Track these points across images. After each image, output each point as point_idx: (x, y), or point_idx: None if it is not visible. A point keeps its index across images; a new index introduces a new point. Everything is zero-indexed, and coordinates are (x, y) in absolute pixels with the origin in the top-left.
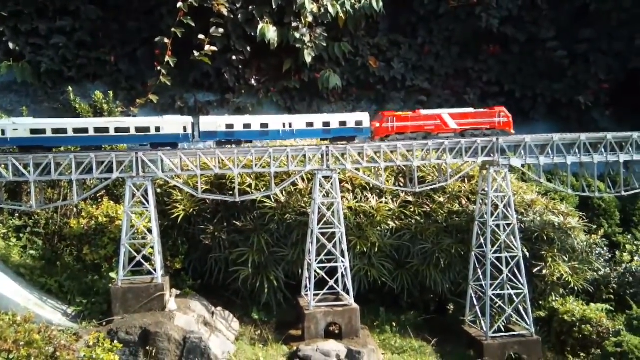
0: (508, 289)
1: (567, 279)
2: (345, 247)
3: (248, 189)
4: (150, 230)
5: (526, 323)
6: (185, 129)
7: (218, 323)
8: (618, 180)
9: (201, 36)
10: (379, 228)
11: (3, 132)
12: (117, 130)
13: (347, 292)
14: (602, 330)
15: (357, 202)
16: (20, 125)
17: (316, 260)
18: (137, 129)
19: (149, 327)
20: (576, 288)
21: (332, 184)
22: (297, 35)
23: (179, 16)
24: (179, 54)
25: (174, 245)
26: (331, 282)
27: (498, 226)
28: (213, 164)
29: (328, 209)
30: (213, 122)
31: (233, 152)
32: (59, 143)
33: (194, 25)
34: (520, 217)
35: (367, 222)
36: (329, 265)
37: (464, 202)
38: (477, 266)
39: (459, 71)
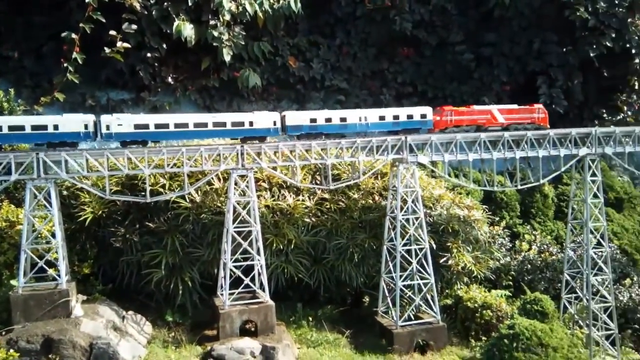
0: (417, 280)
1: (470, 268)
2: (261, 245)
3: (161, 190)
4: (54, 235)
5: (433, 311)
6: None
7: (129, 327)
8: (516, 175)
9: (113, 32)
10: (295, 225)
11: (108, 127)
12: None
13: (263, 290)
14: (501, 314)
15: (274, 200)
16: (125, 121)
17: (231, 259)
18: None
19: (52, 335)
20: (479, 276)
21: (247, 182)
22: (215, 33)
23: (88, 11)
24: (89, 51)
25: (82, 250)
26: (247, 280)
27: (407, 220)
28: (122, 164)
29: (244, 208)
30: (299, 117)
31: (144, 152)
32: (161, 138)
33: (104, 20)
34: (428, 211)
35: (284, 220)
36: (245, 263)
37: (377, 198)
38: (389, 259)
39: (376, 72)
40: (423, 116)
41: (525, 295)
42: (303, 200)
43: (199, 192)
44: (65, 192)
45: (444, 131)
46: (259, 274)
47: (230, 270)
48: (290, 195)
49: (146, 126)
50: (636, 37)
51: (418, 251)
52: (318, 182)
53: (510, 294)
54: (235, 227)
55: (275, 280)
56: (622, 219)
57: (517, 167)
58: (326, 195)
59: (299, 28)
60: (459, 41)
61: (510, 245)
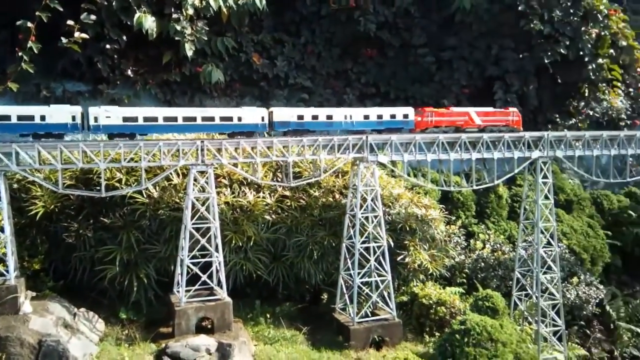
0: (374, 277)
1: (426, 266)
2: (219, 242)
3: (117, 184)
4: (2, 229)
5: (389, 307)
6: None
7: (80, 325)
8: (472, 176)
9: (70, 22)
10: (255, 222)
11: (96, 119)
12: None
13: (221, 287)
14: (455, 311)
15: (234, 197)
16: (113, 113)
17: (189, 255)
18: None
19: None
20: (434, 274)
21: (207, 179)
22: (178, 27)
23: None
24: (45, 40)
25: (32, 245)
26: (204, 277)
27: (367, 218)
28: (77, 157)
29: (203, 204)
30: (286, 113)
31: (99, 145)
32: (149, 131)
33: (62, 9)
34: (387, 209)
35: (243, 217)
36: (203, 260)
37: (337, 196)
38: (347, 256)
39: (340, 72)
40: (405, 116)
41: (478, 292)
42: (264, 198)
43: (157, 187)
44: (15, 185)
45: (425, 131)
46: (217, 271)
47: (188, 267)
48: (251, 192)
49: (135, 119)
50: (589, 45)
51: (376, 249)
52: (279, 180)
53: (464, 291)
54: (193, 224)
55: (233, 278)
56: (572, 220)
57: (473, 168)
58: (287, 193)
59: (263, 25)
60: (421, 44)
61: (465, 244)
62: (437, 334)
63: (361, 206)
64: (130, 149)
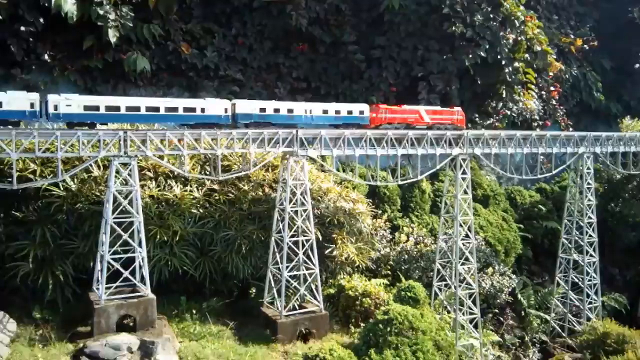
0: (303, 270)
1: (353, 259)
2: (143, 236)
3: (31, 176)
4: None
5: (317, 300)
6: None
7: None
8: (397, 171)
9: None
10: (182, 216)
11: (56, 107)
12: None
13: (144, 283)
14: (380, 301)
15: (159, 190)
16: (74, 102)
17: (110, 251)
18: None
19: None
20: (361, 266)
21: (130, 171)
22: (100, 11)
23: None
24: None
25: None
26: (126, 274)
27: (296, 212)
28: None
29: (125, 198)
30: (249, 106)
31: (11, 134)
32: (111, 120)
33: None
34: (316, 203)
35: (169, 211)
36: (125, 256)
37: (267, 190)
38: (276, 250)
39: (271, 65)
40: (361, 112)
41: (401, 283)
42: (191, 191)
43: (75, 179)
44: None
45: (379, 127)
46: (140, 267)
47: (108, 263)
48: (178, 186)
49: (96, 108)
50: (506, 49)
51: (305, 242)
52: (207, 173)
53: (388, 283)
54: (115, 218)
55: (158, 273)
56: (488, 214)
57: (398, 163)
58: (215, 186)
59: (193, 14)
60: (351, 41)
61: (391, 237)
62: (362, 324)
63: (290, 200)
64: (45, 138)
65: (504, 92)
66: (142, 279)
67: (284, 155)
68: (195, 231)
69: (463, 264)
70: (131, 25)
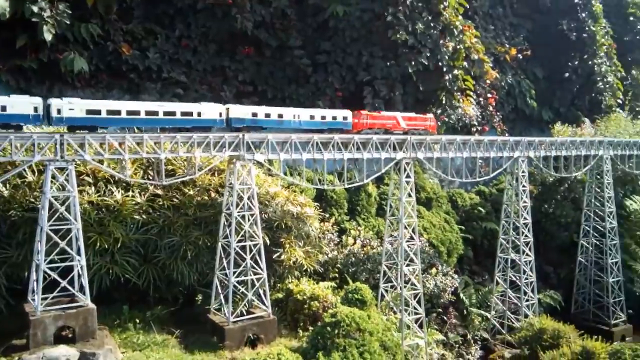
0: (251, 275)
1: (301, 262)
2: (82, 244)
3: None
4: None
5: (265, 305)
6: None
7: None
8: (344, 175)
9: None
10: (123, 223)
11: (59, 111)
12: None
13: (84, 293)
14: (328, 304)
15: (99, 196)
16: (77, 106)
17: (46, 260)
18: None
19: None
20: (309, 269)
21: (67, 176)
22: (35, 8)
23: None
24: None
25: None
26: (64, 283)
27: (243, 217)
28: None
29: (62, 204)
30: (242, 110)
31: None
32: (112, 124)
33: None
34: (263, 207)
35: (110, 217)
36: (62, 265)
37: (213, 194)
38: (223, 256)
39: (217, 68)
40: (345, 118)
41: (348, 285)
42: (133, 197)
43: (7, 185)
44: None
45: (361, 132)
46: (79, 276)
47: (45, 272)
48: (119, 191)
49: (98, 112)
50: (446, 57)
51: (252, 247)
52: (150, 178)
53: (336, 285)
54: (51, 225)
55: (98, 282)
56: (431, 216)
57: (345, 167)
58: (159, 191)
59: (134, 14)
60: (297, 46)
61: (338, 240)
62: (310, 328)
63: (237, 205)
64: None
65: (444, 98)
66: (82, 288)
67: (231, 159)
68: (138, 238)
69: (408, 265)
70: (68, 23)
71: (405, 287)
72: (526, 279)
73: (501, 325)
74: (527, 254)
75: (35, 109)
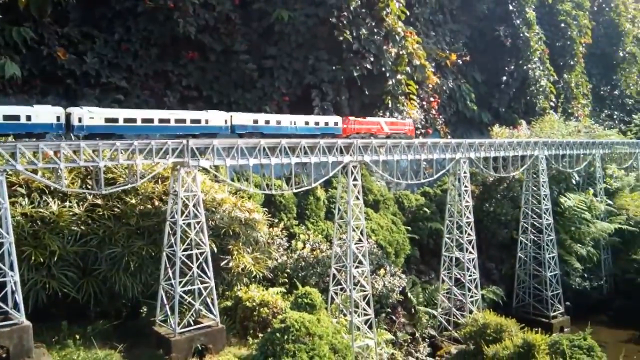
0: (197, 284)
1: (250, 269)
2: (14, 258)
3: None
4: None
5: (213, 314)
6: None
7: None
8: (292, 179)
9: None
10: (60, 235)
11: (80, 119)
12: None
13: (18, 310)
14: (277, 310)
15: (33, 207)
16: (96, 114)
17: None
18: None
19: None
20: (258, 276)
21: None
22: None
23: None
24: None
25: None
26: None
27: (188, 225)
28: None
29: None
30: (244, 117)
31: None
32: (128, 131)
33: None
34: (210, 214)
35: (45, 229)
36: None
37: (156, 203)
38: (168, 265)
39: (159, 73)
40: (335, 123)
41: (298, 290)
42: (70, 207)
43: None
44: None
45: (349, 136)
46: (13, 292)
47: None
48: (55, 202)
49: (116, 120)
50: (390, 63)
51: (199, 255)
52: (89, 187)
53: (286, 291)
54: None
55: (34, 298)
56: (379, 218)
57: (292, 172)
58: (99, 201)
59: (70, 17)
60: (243, 50)
61: (287, 245)
62: (260, 335)
63: (182, 212)
64: None
65: (389, 102)
66: (16, 305)
67: (175, 166)
68: (76, 250)
69: (357, 267)
70: None
71: (354, 289)
72: (470, 276)
73: (447, 322)
74: (470, 252)
75: (58, 118)
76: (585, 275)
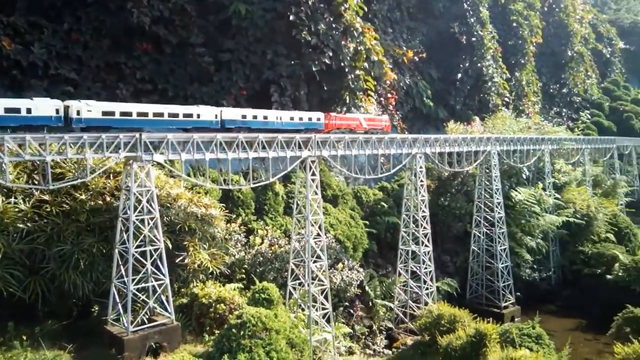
0: (151, 282)
1: (207, 265)
2: None
3: None
4: None
5: (168, 312)
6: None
7: None
8: (249, 174)
9: None
10: (5, 232)
11: (78, 112)
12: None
13: None
14: (234, 306)
15: None
16: (94, 107)
17: None
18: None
19: None
20: (215, 272)
21: None
22: None
23: None
24: None
25: None
26: None
27: (142, 221)
28: None
29: None
30: (233, 113)
31: None
32: (124, 124)
33: None
34: (164, 210)
35: None
36: None
37: (108, 198)
38: (120, 263)
39: (111, 65)
40: (318, 119)
41: (255, 285)
42: (16, 203)
43: None
44: None
45: (331, 131)
46: None
47: None
48: None
49: (112, 113)
50: (348, 58)
51: (153, 252)
52: (36, 182)
53: (243, 286)
54: None
55: None
56: (337, 213)
57: (250, 166)
58: (46, 197)
59: (16, 5)
60: (199, 43)
61: (245, 241)
62: (217, 331)
63: (136, 208)
64: None
65: (347, 97)
66: None
67: (127, 161)
68: (22, 248)
69: (315, 261)
70: None
71: (312, 283)
72: (425, 268)
73: (404, 314)
74: (425, 245)
75: (57, 111)
76: (535, 266)
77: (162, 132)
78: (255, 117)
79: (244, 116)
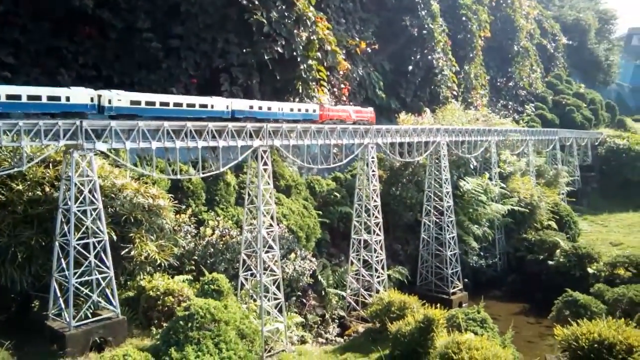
0: (95, 275)
1: (154, 257)
2: None
3: None
4: None
5: (113, 306)
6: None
7: None
8: (199, 164)
9: None
10: None
11: (110, 101)
12: None
13: None
14: (183, 298)
15: None
16: (123, 97)
17: None
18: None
19: None
20: (163, 264)
21: None
22: None
23: None
24: None
25: None
26: None
27: (84, 212)
28: None
29: None
30: (242, 104)
31: None
32: (148, 113)
33: None
34: (109, 201)
35: None
36: None
37: (47, 189)
38: (61, 256)
39: (52, 49)
40: (314, 110)
41: (205, 277)
42: None
43: None
44: None
45: (324, 122)
46: None
47: None
48: None
49: (139, 102)
50: (301, 47)
51: (96, 244)
52: None
53: (193, 278)
54: None
55: None
56: (290, 203)
57: (199, 156)
58: None
59: None
60: (146, 28)
61: (196, 232)
62: (164, 324)
63: (77, 199)
64: None
65: (300, 87)
66: None
67: (67, 149)
68: None
69: (267, 252)
70: None
71: (264, 273)
72: (377, 257)
73: (356, 302)
74: (377, 234)
75: (92, 99)
76: (482, 253)
77: (182, 120)
78: (260, 107)
79: (251, 107)
